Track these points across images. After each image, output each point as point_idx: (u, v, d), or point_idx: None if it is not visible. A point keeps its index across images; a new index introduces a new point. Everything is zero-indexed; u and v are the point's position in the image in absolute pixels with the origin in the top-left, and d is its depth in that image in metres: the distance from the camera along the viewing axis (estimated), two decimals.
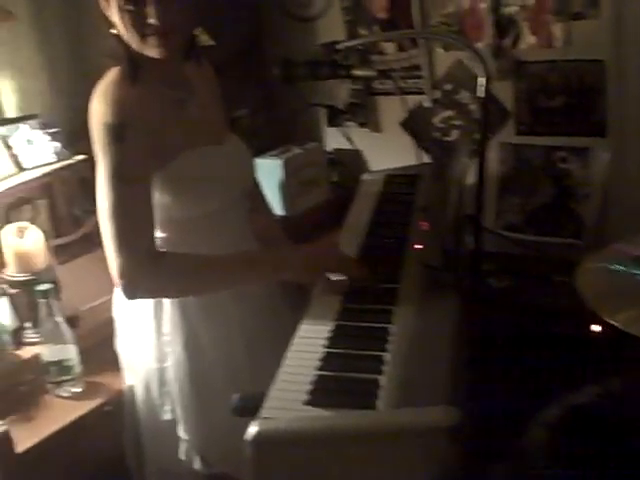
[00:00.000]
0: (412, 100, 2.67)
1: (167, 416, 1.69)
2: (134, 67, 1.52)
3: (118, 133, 1.47)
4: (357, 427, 1.15)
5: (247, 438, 1.13)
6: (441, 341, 1.35)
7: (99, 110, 1.50)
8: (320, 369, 1.32)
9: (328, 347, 1.39)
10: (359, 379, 1.28)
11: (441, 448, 1.09)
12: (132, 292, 1.50)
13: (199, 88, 1.67)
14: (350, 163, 2.88)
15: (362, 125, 2.85)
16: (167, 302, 1.64)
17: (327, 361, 1.34)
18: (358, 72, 2.43)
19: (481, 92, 1.68)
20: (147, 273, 1.47)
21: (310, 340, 1.42)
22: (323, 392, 1.25)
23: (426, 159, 2.64)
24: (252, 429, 1.14)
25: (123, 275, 1.46)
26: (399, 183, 2.14)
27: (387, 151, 2.72)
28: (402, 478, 1.14)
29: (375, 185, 2.15)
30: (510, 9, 2.39)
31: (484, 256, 2.36)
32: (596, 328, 1.94)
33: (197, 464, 1.69)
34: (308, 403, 1.22)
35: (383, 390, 1.23)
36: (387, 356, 1.33)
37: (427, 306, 1.48)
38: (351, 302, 1.54)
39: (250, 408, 1.23)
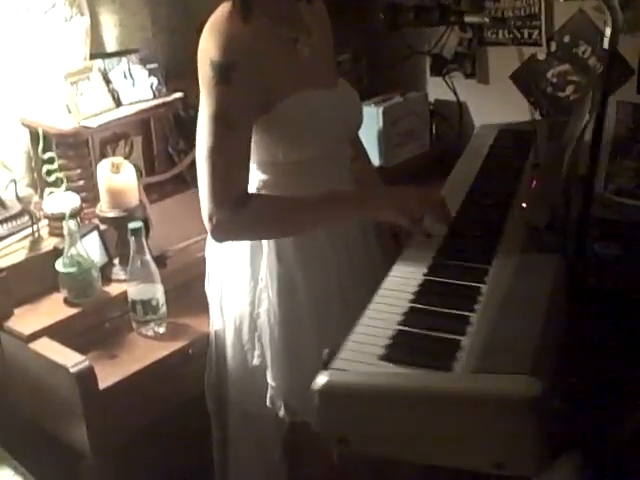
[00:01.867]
0: (525, 52, 2.52)
1: (256, 361, 1.69)
2: (247, 3, 1.47)
3: (225, 73, 1.43)
4: (427, 389, 1.10)
5: (315, 387, 1.12)
6: (535, 307, 1.26)
7: (207, 47, 1.46)
8: (401, 324, 1.27)
9: (413, 302, 1.33)
10: (440, 338, 1.21)
11: (517, 420, 1.03)
12: (220, 236, 1.51)
13: (313, 28, 1.61)
14: (453, 116, 2.76)
15: (468, 76, 2.70)
16: (264, 247, 1.63)
17: (410, 316, 1.29)
18: (470, 18, 2.30)
19: (606, 44, 1.53)
20: (236, 218, 1.47)
21: (395, 293, 1.37)
22: (400, 348, 1.20)
23: (536, 115, 2.50)
24: (321, 379, 1.13)
25: (211, 218, 1.46)
26: (513, 138, 2.03)
27: (494, 105, 2.59)
28: (471, 448, 1.09)
29: (488, 139, 2.05)
30: None
31: (592, 221, 2.25)
32: None
33: (281, 411, 1.67)
34: (383, 358, 1.18)
35: (463, 353, 1.16)
36: (474, 317, 1.26)
37: (525, 268, 1.39)
38: (444, 257, 1.48)
39: None
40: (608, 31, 1.52)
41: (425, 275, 1.42)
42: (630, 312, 1.99)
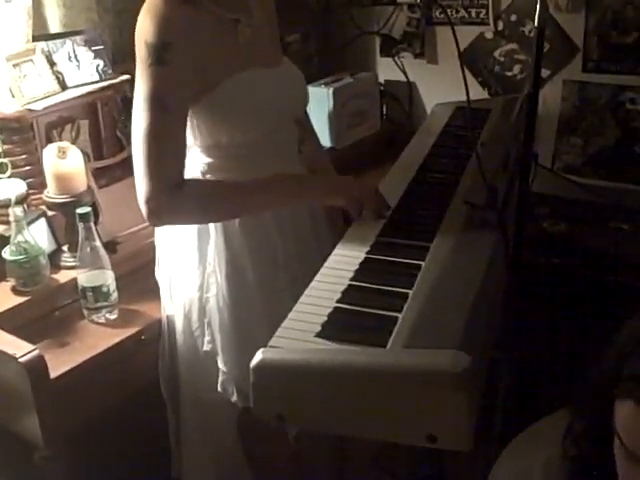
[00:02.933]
0: (474, 30, 2.53)
1: (206, 347, 1.68)
2: None
3: (160, 54, 1.41)
4: (359, 364, 1.12)
5: (251, 365, 1.14)
6: (469, 284, 1.28)
7: (144, 27, 1.43)
8: (339, 301, 1.28)
9: (353, 280, 1.34)
10: (377, 315, 1.23)
11: (446, 394, 1.05)
12: (156, 220, 1.50)
13: (254, 8, 1.59)
14: (403, 96, 2.77)
15: (418, 56, 2.72)
16: (212, 231, 1.61)
17: (348, 294, 1.30)
18: None
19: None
20: (171, 201, 1.45)
21: (336, 271, 1.38)
22: (336, 325, 1.21)
23: (485, 94, 2.53)
24: (257, 356, 1.14)
25: (147, 202, 1.45)
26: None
27: (444, 84, 2.58)
28: (404, 422, 1.11)
29: (443, 117, 2.07)
30: None
31: (538, 199, 2.28)
32: None
33: (234, 396, 1.66)
34: (319, 335, 1.19)
35: (398, 329, 1.18)
36: (411, 294, 1.28)
37: (463, 245, 1.42)
38: (388, 236, 1.49)
39: None
40: (538, 6, 1.54)
41: (367, 253, 1.43)
42: (574, 290, 2.04)
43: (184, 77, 1.45)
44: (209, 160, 1.60)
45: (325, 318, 1.23)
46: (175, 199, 1.46)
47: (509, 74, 2.53)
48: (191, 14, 1.45)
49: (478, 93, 2.54)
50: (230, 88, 1.51)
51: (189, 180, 1.52)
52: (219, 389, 1.67)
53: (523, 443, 1.19)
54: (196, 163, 1.61)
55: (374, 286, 1.32)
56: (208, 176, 1.60)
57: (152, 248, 1.75)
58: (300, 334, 1.19)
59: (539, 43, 1.37)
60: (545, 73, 2.38)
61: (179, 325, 1.70)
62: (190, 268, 1.66)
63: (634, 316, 0.99)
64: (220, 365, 1.66)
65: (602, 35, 2.31)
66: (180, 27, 1.43)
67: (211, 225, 1.61)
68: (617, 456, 0.94)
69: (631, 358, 0.93)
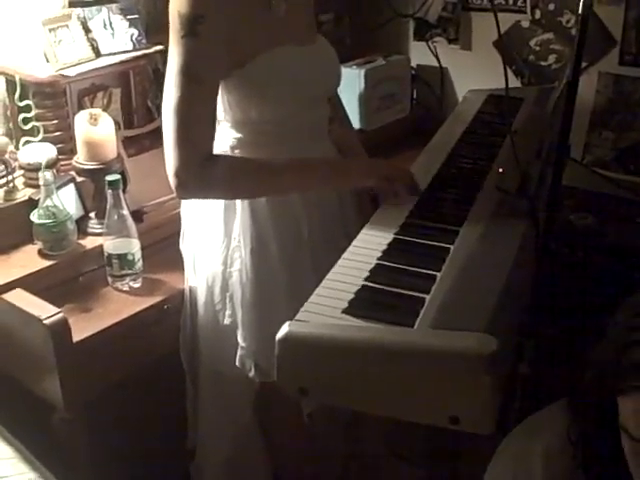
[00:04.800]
0: (510, 18, 2.50)
1: (227, 321, 1.68)
2: None
3: (192, 26, 1.40)
4: (386, 342, 1.12)
5: (277, 337, 1.14)
6: (497, 269, 1.28)
7: None
8: (367, 279, 1.28)
9: (380, 259, 1.35)
10: (405, 295, 1.23)
11: (471, 377, 1.06)
12: (183, 192, 1.49)
13: None
14: (434, 81, 2.75)
15: (451, 42, 2.69)
16: (238, 206, 1.61)
17: (376, 273, 1.30)
18: None
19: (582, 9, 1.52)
20: (200, 175, 1.45)
21: (364, 250, 1.39)
22: (364, 303, 1.22)
23: (517, 83, 2.50)
24: (283, 329, 1.14)
25: (176, 174, 1.45)
26: (501, 104, 2.03)
27: (476, 71, 2.58)
28: (427, 402, 1.11)
29: (475, 104, 2.06)
30: None
31: (566, 191, 2.26)
32: None
33: (251, 372, 1.67)
34: (346, 311, 1.19)
35: (426, 310, 1.18)
36: (439, 276, 1.28)
37: (493, 231, 1.42)
38: (417, 217, 1.49)
39: None
40: None
41: (395, 234, 1.43)
42: (600, 282, 2.02)
43: (216, 50, 1.44)
44: (238, 135, 1.59)
45: (352, 295, 1.23)
46: (205, 173, 1.46)
47: (544, 64, 2.50)
48: None
49: (512, 82, 2.49)
50: (262, 64, 1.50)
51: (220, 155, 1.52)
52: (237, 364, 1.68)
53: (523, 433, 1.18)
54: (225, 138, 1.60)
55: (402, 267, 1.32)
56: (237, 151, 1.60)
57: (178, 219, 1.75)
58: (327, 310, 1.19)
59: (582, 33, 1.35)
60: (581, 64, 2.35)
61: (201, 297, 1.71)
62: (215, 242, 1.66)
63: (623, 307, 0.96)
64: (240, 340, 1.66)
65: None
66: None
67: (238, 200, 1.61)
68: (629, 456, 0.91)
69: (630, 349, 0.91)
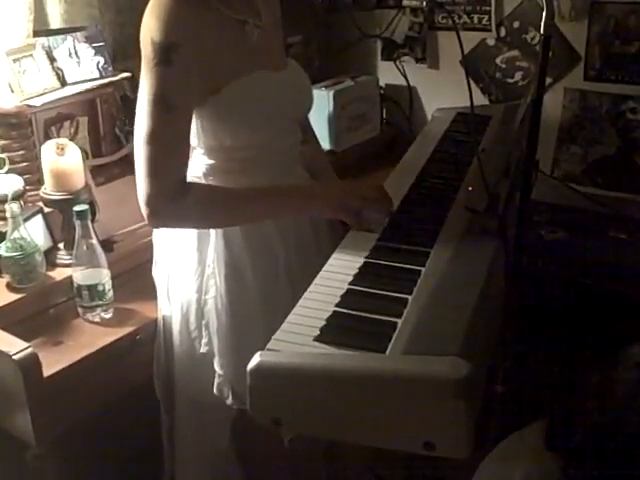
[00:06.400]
0: (475, 37, 2.53)
1: (203, 349, 1.66)
2: None
3: (167, 55, 1.39)
4: (358, 369, 1.11)
5: (248, 368, 1.13)
6: (469, 290, 1.28)
7: (150, 26, 1.41)
8: (338, 305, 1.27)
9: (352, 283, 1.34)
10: (376, 320, 1.22)
11: (444, 401, 1.05)
12: (156, 221, 1.48)
13: (262, 10, 1.58)
14: (403, 100, 2.77)
15: (419, 61, 2.72)
16: (212, 233, 1.60)
17: (347, 298, 1.29)
18: (408, 2, 2.27)
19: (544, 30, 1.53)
20: (172, 204, 1.44)
21: (335, 275, 1.38)
22: (335, 329, 1.21)
23: (485, 101, 2.52)
24: (254, 359, 1.13)
25: (149, 204, 1.43)
26: (469, 122, 2.04)
27: (444, 89, 2.60)
28: (401, 428, 1.10)
29: (444, 122, 2.06)
30: None
31: (537, 206, 2.28)
32: None
33: (229, 399, 1.65)
34: (317, 339, 1.18)
35: (398, 334, 1.18)
36: (410, 300, 1.27)
37: (463, 251, 1.42)
38: (388, 241, 1.49)
39: None
40: (545, 16, 1.53)
41: (366, 258, 1.43)
42: (574, 296, 2.03)
43: (190, 78, 1.43)
44: (211, 162, 1.58)
45: (324, 322, 1.22)
46: (177, 203, 1.44)
47: (510, 81, 2.53)
48: (199, 14, 1.43)
49: (479, 99, 2.54)
50: (236, 91, 1.50)
51: (193, 184, 1.51)
52: (215, 391, 1.66)
53: (498, 459, 1.18)
54: (198, 164, 1.59)
55: (373, 291, 1.31)
56: (210, 178, 1.59)
57: (149, 247, 1.74)
58: (298, 338, 1.18)
59: (545, 51, 1.37)
60: (547, 81, 2.37)
61: (176, 326, 1.69)
62: (189, 269, 1.64)
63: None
64: (216, 367, 1.65)
65: (604, 44, 2.31)
66: (187, 27, 1.41)
67: None
68: None
69: None
